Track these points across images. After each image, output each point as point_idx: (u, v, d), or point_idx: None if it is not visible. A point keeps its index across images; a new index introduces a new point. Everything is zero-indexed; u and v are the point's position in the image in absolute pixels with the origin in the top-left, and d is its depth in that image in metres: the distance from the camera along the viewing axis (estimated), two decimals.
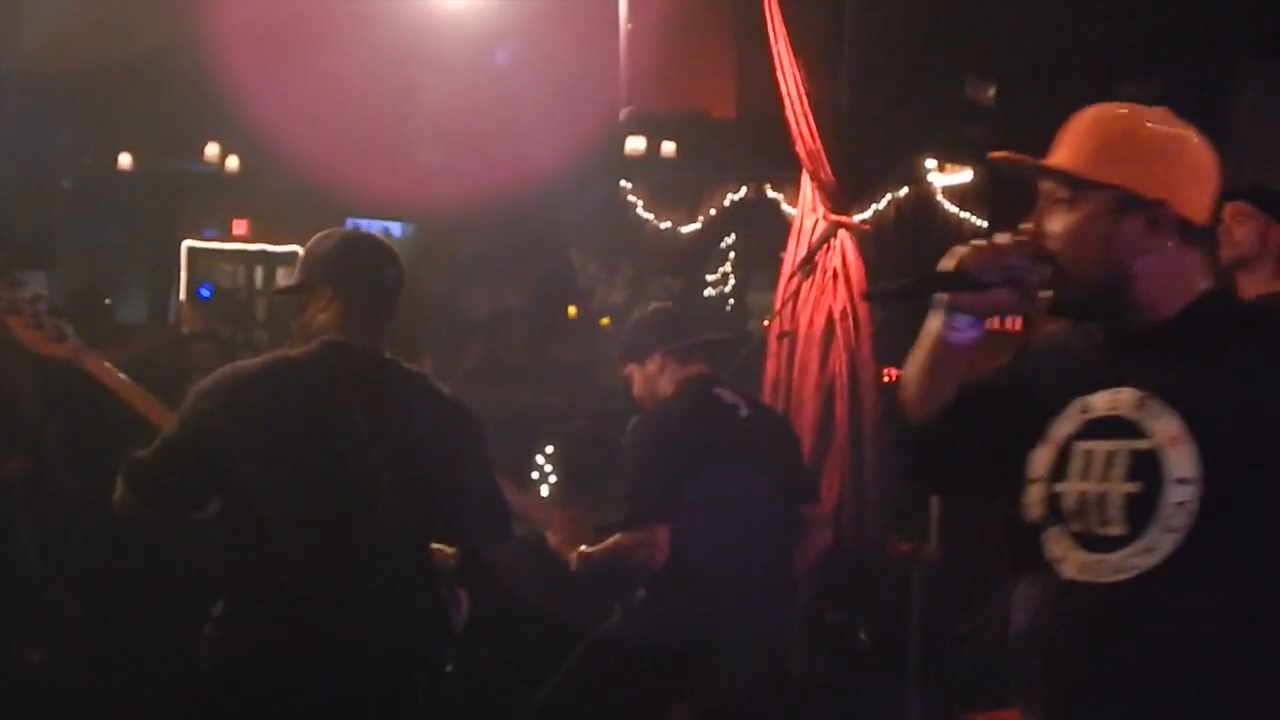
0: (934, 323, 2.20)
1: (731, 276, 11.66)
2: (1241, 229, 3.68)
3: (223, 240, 13.09)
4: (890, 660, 5.14)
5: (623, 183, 10.71)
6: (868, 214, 5.84)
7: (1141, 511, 2.01)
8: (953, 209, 8.68)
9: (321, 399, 3.05)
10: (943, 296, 2.16)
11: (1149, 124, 2.15)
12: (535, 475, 6.37)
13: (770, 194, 10.25)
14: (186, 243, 12.87)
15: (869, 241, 5.54)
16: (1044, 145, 2.24)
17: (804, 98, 5.35)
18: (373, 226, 9.38)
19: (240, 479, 3.01)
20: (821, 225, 5.43)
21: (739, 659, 3.92)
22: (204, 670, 3.08)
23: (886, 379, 5.34)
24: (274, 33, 7.93)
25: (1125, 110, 2.18)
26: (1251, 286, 3.68)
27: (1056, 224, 2.13)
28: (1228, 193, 3.77)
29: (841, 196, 5.43)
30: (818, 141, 5.36)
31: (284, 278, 11.09)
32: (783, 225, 7.33)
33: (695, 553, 3.91)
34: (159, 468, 3.06)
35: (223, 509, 3.11)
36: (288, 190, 10.23)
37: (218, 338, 7.47)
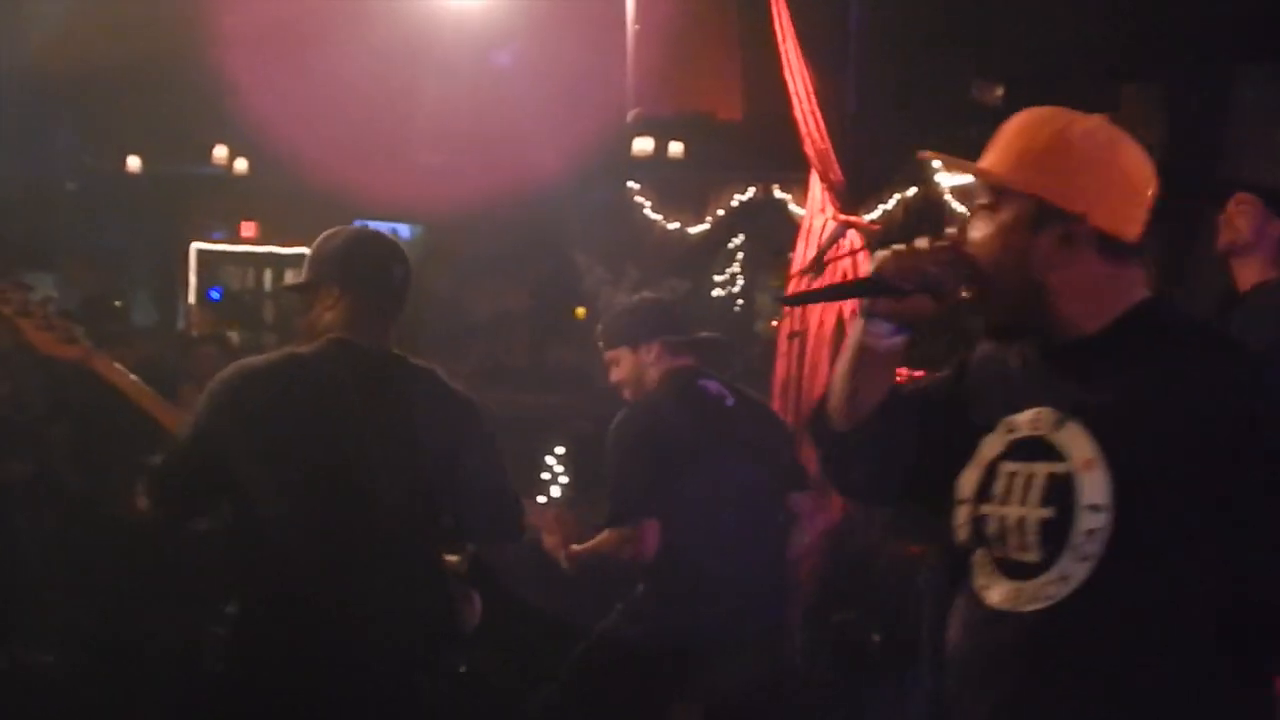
0: (855, 329, 2.15)
1: (739, 277, 11.67)
2: (1242, 218, 3.77)
3: (231, 242, 13.11)
4: (895, 661, 5.13)
5: (630, 184, 10.73)
6: (876, 214, 5.84)
7: (1055, 538, 1.92)
8: (961, 209, 8.67)
9: (326, 398, 3.05)
10: (862, 302, 2.11)
11: (1078, 133, 2.01)
12: (546, 476, 6.37)
13: (778, 194, 10.26)
14: (195, 245, 12.88)
15: (878, 242, 5.54)
16: None
17: (812, 97, 5.35)
18: (381, 228, 9.36)
19: (243, 476, 3.01)
20: (831, 225, 5.44)
21: (739, 658, 3.91)
22: (206, 670, 3.08)
23: (897, 379, 5.32)
24: (282, 35, 7.96)
25: (1056, 116, 2.05)
26: (1246, 274, 3.79)
27: (978, 230, 2.05)
28: (1231, 185, 3.92)
29: (849, 197, 5.44)
30: (826, 141, 5.36)
31: (293, 280, 11.02)
32: (790, 225, 7.35)
33: (694, 552, 3.90)
34: (168, 470, 3.06)
35: (226, 509, 3.11)
36: (296, 192, 10.23)
37: (223, 340, 7.47)
